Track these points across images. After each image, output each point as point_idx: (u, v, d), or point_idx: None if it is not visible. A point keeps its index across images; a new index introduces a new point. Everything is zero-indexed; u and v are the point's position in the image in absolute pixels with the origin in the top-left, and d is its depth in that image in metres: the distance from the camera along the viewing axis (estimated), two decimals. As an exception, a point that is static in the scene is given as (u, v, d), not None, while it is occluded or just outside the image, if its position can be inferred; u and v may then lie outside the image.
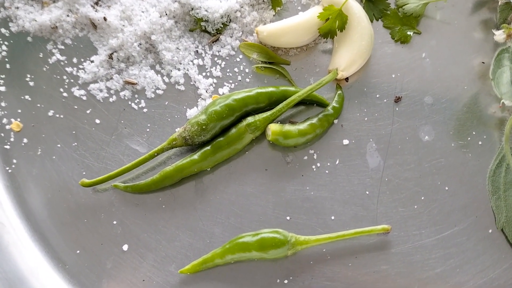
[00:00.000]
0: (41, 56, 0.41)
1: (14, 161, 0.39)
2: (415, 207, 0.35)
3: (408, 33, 0.39)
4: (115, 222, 0.36)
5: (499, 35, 0.35)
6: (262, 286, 0.34)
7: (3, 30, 0.42)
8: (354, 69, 0.38)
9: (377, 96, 0.39)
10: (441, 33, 0.40)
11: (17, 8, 0.43)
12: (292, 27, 0.40)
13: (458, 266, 0.34)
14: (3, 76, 0.41)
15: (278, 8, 0.41)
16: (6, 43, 0.42)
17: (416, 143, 0.37)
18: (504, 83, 0.31)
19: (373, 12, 0.40)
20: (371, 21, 0.41)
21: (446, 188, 0.35)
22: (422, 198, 0.35)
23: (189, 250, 0.35)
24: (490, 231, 0.34)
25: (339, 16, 0.37)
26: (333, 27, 0.38)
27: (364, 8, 0.41)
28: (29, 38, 0.42)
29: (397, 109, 0.38)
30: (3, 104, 0.41)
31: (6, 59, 0.42)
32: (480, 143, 0.36)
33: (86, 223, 0.37)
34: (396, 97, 0.38)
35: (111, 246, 0.36)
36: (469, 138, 0.36)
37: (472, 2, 0.42)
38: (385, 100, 0.38)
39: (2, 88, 0.41)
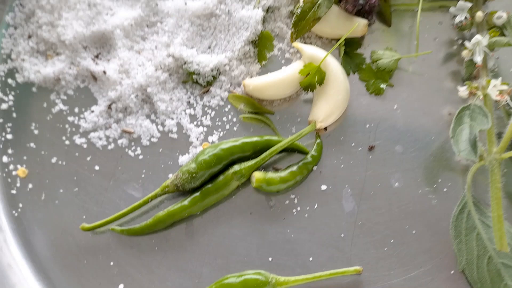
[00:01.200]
0: (45, 106, 0.45)
1: (20, 205, 0.42)
2: (385, 249, 0.38)
3: (382, 86, 0.42)
4: (112, 263, 0.39)
5: (463, 91, 0.39)
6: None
7: (9, 81, 0.46)
8: (332, 120, 0.42)
9: (353, 144, 0.42)
10: (412, 86, 0.43)
11: (23, 60, 0.46)
12: (276, 82, 0.43)
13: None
14: (9, 125, 0.45)
15: (264, 62, 0.44)
16: (12, 93, 0.46)
17: (387, 189, 0.40)
18: (463, 140, 0.34)
19: (350, 66, 0.44)
20: (348, 74, 0.44)
21: (414, 232, 0.38)
22: (392, 241, 0.38)
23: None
24: (452, 272, 0.37)
25: (318, 72, 0.41)
26: (312, 82, 0.42)
27: (341, 63, 0.44)
28: (34, 89, 0.45)
29: (370, 157, 0.41)
30: (9, 151, 0.44)
31: (13, 108, 0.45)
32: (445, 190, 0.39)
33: (85, 264, 0.40)
34: (370, 146, 0.41)
35: (108, 285, 0.39)
36: (435, 185, 0.39)
37: (442, 55, 0.45)
38: (359, 149, 0.41)
39: (9, 136, 0.44)
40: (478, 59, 0.37)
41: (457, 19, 0.40)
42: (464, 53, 0.39)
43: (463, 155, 0.33)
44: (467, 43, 0.38)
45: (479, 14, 0.39)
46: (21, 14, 0.47)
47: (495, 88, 0.36)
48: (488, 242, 0.36)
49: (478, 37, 0.38)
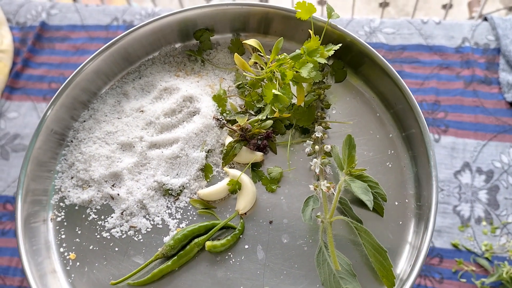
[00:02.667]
0: (83, 216, 0.68)
1: (72, 275, 0.64)
2: (281, 277, 0.65)
3: (273, 187, 0.72)
4: None
5: (311, 187, 0.71)
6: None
7: (61, 204, 0.75)
8: (247, 209, 0.65)
9: (260, 220, 0.65)
10: (291, 185, 0.67)
11: (69, 191, 0.75)
12: (216, 191, 0.66)
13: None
14: (63, 230, 0.73)
15: (208, 180, 0.73)
16: (63, 212, 0.73)
17: (281, 243, 0.62)
18: (307, 214, 0.63)
19: (256, 178, 0.74)
20: (255, 182, 0.72)
21: (296, 266, 0.64)
22: (285, 272, 0.65)
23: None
24: (318, 285, 0.64)
25: (238, 183, 0.72)
26: (235, 189, 0.70)
27: (251, 176, 0.76)
28: (76, 207, 0.70)
29: (270, 227, 0.67)
30: (64, 244, 0.70)
31: (64, 220, 0.73)
32: (310, 241, 0.64)
33: None
34: (270, 220, 0.68)
35: None
36: (305, 239, 0.64)
37: (304, 168, 0.70)
38: (264, 222, 0.65)
39: (63, 236, 0.72)
40: (317, 170, 0.70)
41: (306, 150, 0.73)
42: (312, 167, 0.72)
43: (307, 221, 0.64)
44: (311, 163, 0.72)
45: (317, 147, 0.73)
46: (65, 164, 0.77)
47: (324, 186, 0.68)
48: (332, 266, 0.65)
49: (315, 160, 0.71)
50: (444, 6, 1.46)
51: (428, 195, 0.63)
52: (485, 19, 1.05)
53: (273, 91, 0.65)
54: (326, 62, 0.68)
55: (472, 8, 1.47)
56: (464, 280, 0.82)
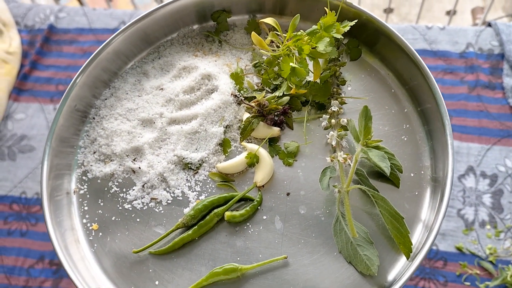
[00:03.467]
0: (106, 189, 0.69)
1: (95, 245, 0.66)
2: (299, 246, 0.66)
3: (290, 160, 0.74)
4: (150, 270, 0.61)
5: (328, 159, 0.72)
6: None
7: (84, 177, 0.76)
8: (265, 181, 0.65)
9: (278, 192, 0.66)
10: (308, 159, 0.69)
11: (91, 165, 0.78)
12: (234, 164, 0.67)
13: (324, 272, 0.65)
14: (86, 202, 0.74)
15: (226, 154, 0.77)
16: (86, 185, 0.74)
17: (298, 214, 0.64)
18: (325, 183, 0.65)
19: (273, 152, 0.76)
20: (272, 156, 0.76)
21: (313, 235, 0.68)
22: (302, 241, 0.66)
23: (188, 282, 0.65)
24: (335, 253, 0.65)
25: (255, 156, 0.74)
26: (252, 162, 0.74)
27: (268, 151, 0.78)
28: (99, 181, 0.71)
29: (288, 198, 0.70)
30: (87, 216, 0.71)
31: (87, 193, 0.73)
32: (327, 211, 0.67)
33: (135, 272, 0.61)
34: (287, 193, 0.71)
35: (149, 282, 0.63)
36: (322, 209, 0.66)
37: (321, 142, 0.72)
38: (282, 194, 0.66)
39: (86, 208, 0.73)
40: (333, 142, 0.71)
41: (323, 124, 0.74)
42: (328, 141, 0.73)
43: (324, 190, 0.65)
44: (327, 136, 0.73)
45: (333, 121, 0.74)
46: (88, 140, 0.78)
47: (341, 156, 0.69)
48: (349, 235, 0.66)
49: (331, 132, 0.72)
50: (448, 13, 1.47)
51: (444, 165, 0.64)
52: (489, 25, 1.06)
53: (291, 64, 0.66)
54: (342, 37, 0.70)
55: (475, 15, 1.49)
56: (468, 283, 0.83)
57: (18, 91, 1.07)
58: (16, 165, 0.99)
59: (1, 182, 0.98)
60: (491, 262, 0.83)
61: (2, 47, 1.05)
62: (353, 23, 0.71)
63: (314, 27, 0.70)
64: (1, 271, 0.89)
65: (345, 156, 0.67)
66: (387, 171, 0.59)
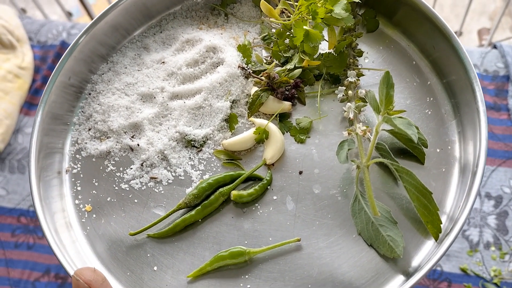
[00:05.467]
0: (101, 168, 0.64)
1: (88, 228, 0.61)
2: (313, 228, 0.58)
3: (302, 137, 0.68)
4: (148, 255, 0.57)
5: (345, 134, 0.65)
6: (232, 280, 0.58)
7: (78, 156, 0.70)
8: (275, 158, 0.61)
9: (289, 171, 0.61)
10: (321, 135, 0.63)
11: (86, 143, 0.72)
12: (241, 140, 0.63)
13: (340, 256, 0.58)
14: (79, 181, 0.67)
15: (233, 130, 0.70)
16: (79, 163, 0.69)
17: (312, 194, 0.58)
18: (342, 156, 0.58)
19: (283, 128, 0.70)
20: (283, 133, 0.68)
21: (329, 216, 0.59)
22: (317, 223, 0.59)
23: (190, 267, 0.60)
24: (354, 236, 0.58)
25: (265, 131, 0.68)
26: (261, 138, 0.68)
27: (278, 126, 0.72)
28: (93, 159, 0.67)
29: (300, 177, 0.64)
30: (79, 196, 0.64)
31: (80, 172, 0.68)
32: (344, 190, 0.61)
33: (132, 257, 0.56)
34: (300, 171, 0.65)
35: (147, 267, 0.57)
36: (339, 189, 0.60)
37: (336, 117, 0.64)
38: (294, 173, 0.61)
39: (79, 188, 0.66)
40: (351, 115, 0.65)
41: (339, 96, 0.68)
42: (345, 114, 0.67)
43: (342, 162, 0.59)
44: (344, 108, 0.67)
45: (350, 92, 0.68)
46: (83, 116, 0.72)
47: (359, 129, 0.63)
48: (370, 214, 0.59)
49: (349, 104, 0.65)
50: (454, 33, 1.43)
51: (474, 136, 0.58)
52: (495, 46, 1.05)
53: (304, 27, 0.60)
54: (360, 1, 0.64)
55: (482, 36, 1.48)
56: (473, 304, 0.81)
57: (29, 105, 1.08)
58: (25, 178, 0.99)
59: (10, 195, 0.99)
60: (495, 284, 0.82)
61: (15, 62, 1.07)
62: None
63: (329, -10, 0.64)
64: (7, 284, 0.89)
65: (364, 128, 0.60)
66: (415, 138, 0.52)
